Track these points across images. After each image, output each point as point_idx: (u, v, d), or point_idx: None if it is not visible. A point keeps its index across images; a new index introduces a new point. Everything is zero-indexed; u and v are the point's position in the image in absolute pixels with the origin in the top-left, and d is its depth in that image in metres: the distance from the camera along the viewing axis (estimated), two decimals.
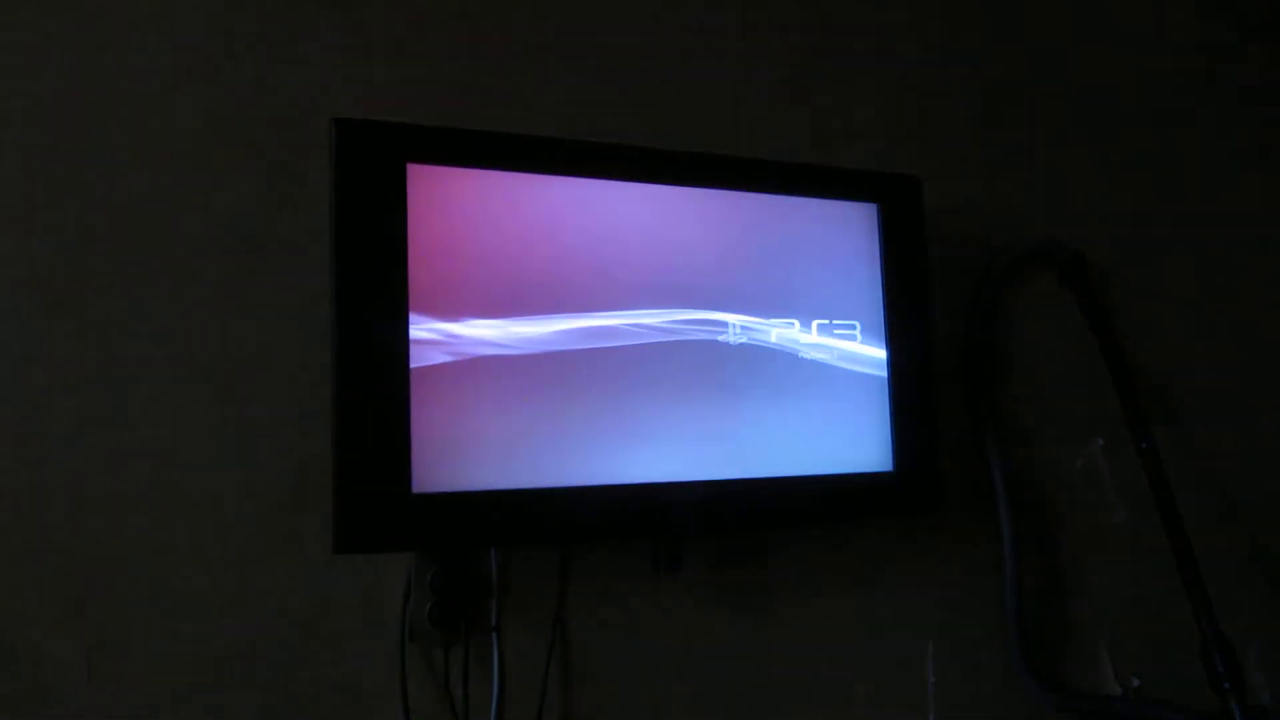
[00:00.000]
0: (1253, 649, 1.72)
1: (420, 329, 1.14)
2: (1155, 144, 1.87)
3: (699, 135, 1.48)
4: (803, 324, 1.36)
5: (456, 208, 1.19)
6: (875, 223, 1.43)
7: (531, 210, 1.23)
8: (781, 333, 1.34)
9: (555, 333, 1.21)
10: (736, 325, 1.31)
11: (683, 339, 1.28)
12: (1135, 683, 1.64)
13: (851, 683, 1.49)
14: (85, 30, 1.21)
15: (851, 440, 1.38)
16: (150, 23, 1.24)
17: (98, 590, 1.15)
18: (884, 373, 1.41)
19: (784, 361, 1.34)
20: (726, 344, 1.31)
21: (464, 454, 1.15)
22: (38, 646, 1.12)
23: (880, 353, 1.41)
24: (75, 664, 1.13)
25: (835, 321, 1.38)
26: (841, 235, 1.41)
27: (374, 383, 1.11)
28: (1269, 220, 1.95)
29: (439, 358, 1.15)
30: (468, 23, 1.39)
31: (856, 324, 1.40)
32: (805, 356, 1.36)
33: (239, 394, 1.22)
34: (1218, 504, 1.79)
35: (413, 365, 1.13)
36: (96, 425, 1.16)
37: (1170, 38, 1.92)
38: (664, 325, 1.27)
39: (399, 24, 1.35)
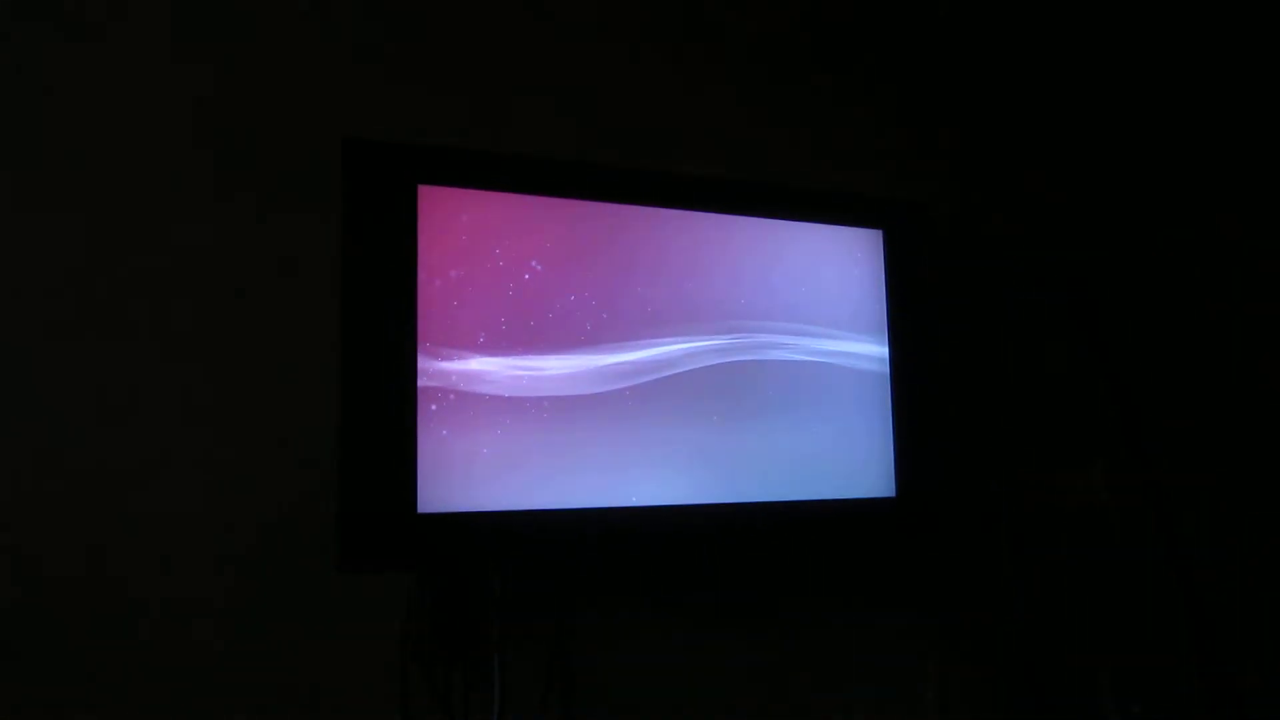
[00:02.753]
0: (1251, 673, 1.72)
1: (428, 351, 1.14)
2: (1154, 161, 1.88)
3: (707, 160, 1.49)
4: (807, 349, 1.36)
5: (468, 230, 1.19)
6: (880, 248, 1.43)
7: (542, 233, 1.23)
8: (785, 358, 1.35)
9: (561, 369, 1.21)
10: (740, 350, 1.32)
11: (688, 368, 1.29)
12: (1135, 708, 1.63)
13: (852, 704, 1.49)
14: (93, 49, 1.22)
15: (855, 466, 1.38)
16: (158, 44, 1.25)
17: (104, 604, 1.15)
18: (888, 400, 1.41)
19: (787, 388, 1.34)
20: (730, 370, 1.31)
21: (469, 475, 1.15)
22: (44, 655, 1.13)
23: (885, 381, 1.41)
24: (78, 676, 1.13)
25: (840, 347, 1.39)
26: (849, 259, 1.42)
27: (380, 404, 1.11)
28: (1270, 234, 1.95)
29: (446, 380, 1.15)
30: (479, 42, 1.40)
31: (862, 349, 1.40)
32: (809, 383, 1.36)
33: (247, 411, 1.23)
34: (1218, 527, 1.79)
35: (420, 387, 1.13)
36: (105, 444, 1.17)
37: (1165, 51, 1.93)
38: (671, 355, 1.27)
39: (410, 44, 1.36)
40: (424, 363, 1.14)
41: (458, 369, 1.16)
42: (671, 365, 1.27)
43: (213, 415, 1.22)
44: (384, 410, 1.11)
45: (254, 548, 1.21)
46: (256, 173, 1.27)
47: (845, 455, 1.37)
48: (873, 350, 1.41)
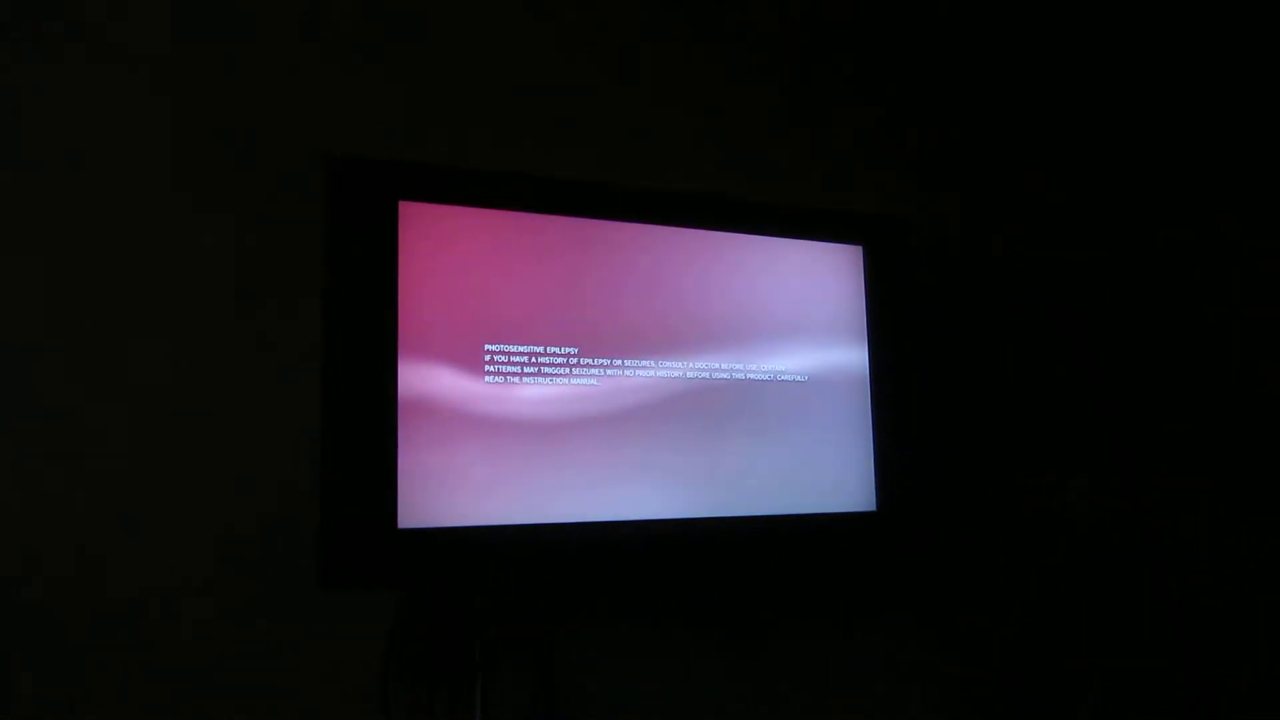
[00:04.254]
0: (1241, 683, 1.72)
1: (409, 367, 1.14)
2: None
3: (687, 177, 1.49)
4: (787, 364, 1.36)
5: (449, 246, 1.18)
6: (860, 264, 1.42)
7: (524, 249, 1.23)
8: (767, 372, 1.34)
9: (542, 385, 1.21)
10: (722, 366, 1.32)
11: (670, 383, 1.28)
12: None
13: (841, 713, 1.49)
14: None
15: (837, 480, 1.37)
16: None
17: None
18: (869, 414, 1.40)
19: (768, 402, 1.34)
20: (713, 385, 1.31)
21: (450, 490, 1.14)
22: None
23: (865, 393, 1.40)
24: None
25: (821, 361, 1.38)
26: (829, 275, 1.41)
27: (361, 420, 1.11)
28: (1265, 243, 1.95)
29: (427, 395, 1.14)
30: (461, 61, 1.40)
31: (843, 364, 1.39)
32: (790, 396, 1.35)
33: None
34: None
35: (400, 402, 1.13)
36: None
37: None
38: (654, 371, 1.27)
39: (392, 63, 1.36)
40: (404, 378, 1.13)
41: (438, 385, 1.15)
42: (654, 381, 1.27)
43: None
44: (365, 426, 1.11)
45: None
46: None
47: (826, 469, 1.37)
48: (854, 365, 1.40)
